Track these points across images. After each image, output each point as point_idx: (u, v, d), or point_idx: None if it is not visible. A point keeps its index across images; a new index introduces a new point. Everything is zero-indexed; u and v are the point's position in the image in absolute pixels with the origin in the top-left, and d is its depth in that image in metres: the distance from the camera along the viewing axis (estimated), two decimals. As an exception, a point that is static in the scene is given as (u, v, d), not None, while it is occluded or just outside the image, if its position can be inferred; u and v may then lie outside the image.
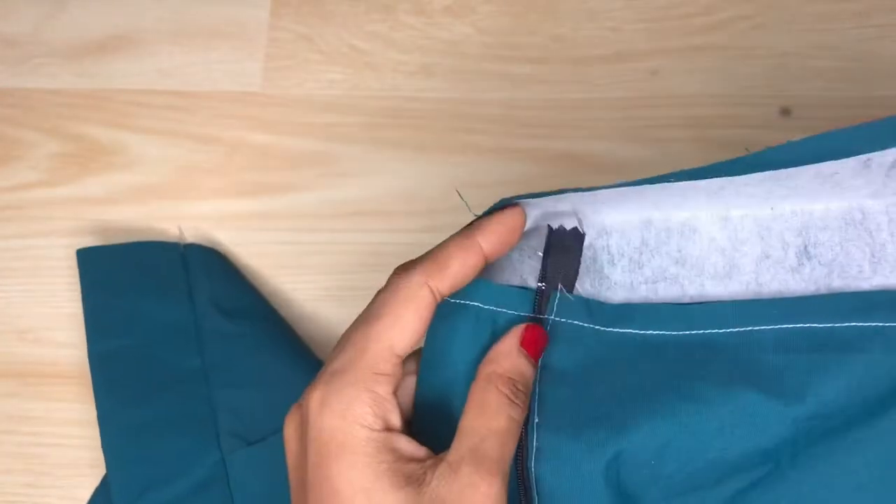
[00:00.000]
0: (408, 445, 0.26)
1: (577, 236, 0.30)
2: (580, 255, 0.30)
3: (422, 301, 0.27)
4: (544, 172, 0.45)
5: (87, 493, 0.42)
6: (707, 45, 0.46)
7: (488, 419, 0.26)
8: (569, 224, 0.30)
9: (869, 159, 0.26)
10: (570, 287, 0.30)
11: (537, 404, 0.28)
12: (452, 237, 0.28)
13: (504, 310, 0.29)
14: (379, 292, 0.28)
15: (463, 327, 0.29)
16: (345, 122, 0.47)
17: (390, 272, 0.44)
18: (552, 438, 0.27)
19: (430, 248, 0.44)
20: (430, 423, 0.28)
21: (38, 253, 0.46)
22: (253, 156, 0.47)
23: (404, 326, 0.26)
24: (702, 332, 0.28)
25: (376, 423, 0.25)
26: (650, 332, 0.28)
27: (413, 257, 0.44)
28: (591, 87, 0.46)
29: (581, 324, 0.29)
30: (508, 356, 0.27)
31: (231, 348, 0.41)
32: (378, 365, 0.26)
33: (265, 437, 0.40)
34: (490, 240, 0.28)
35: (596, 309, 0.29)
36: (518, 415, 0.26)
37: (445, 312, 0.29)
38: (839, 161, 0.26)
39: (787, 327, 0.27)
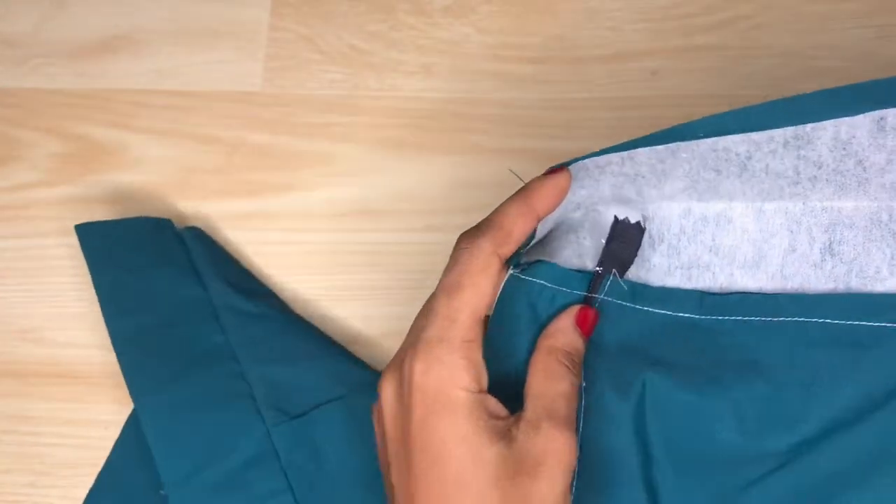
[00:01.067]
0: (496, 405, 0.29)
1: (639, 230, 0.33)
2: (639, 247, 0.33)
3: (493, 268, 0.29)
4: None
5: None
6: (707, 45, 0.46)
7: (555, 384, 0.30)
8: (633, 217, 0.33)
9: (882, 119, 0.27)
10: (622, 272, 0.33)
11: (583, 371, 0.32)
12: (509, 202, 0.31)
13: (564, 289, 0.33)
14: (452, 262, 0.30)
15: (528, 301, 0.32)
16: (345, 122, 0.47)
17: (390, 272, 0.44)
18: (591, 398, 0.31)
19: (429, 247, 0.44)
20: (493, 384, 0.30)
21: (39, 253, 0.46)
22: (253, 156, 0.47)
23: (483, 294, 0.29)
24: (729, 318, 0.31)
25: (472, 385, 0.28)
26: (683, 314, 0.32)
27: (413, 257, 0.44)
28: (591, 87, 0.46)
29: (625, 303, 0.33)
30: (565, 332, 0.32)
31: (253, 327, 0.41)
32: (468, 333, 0.29)
33: (306, 411, 0.39)
34: (544, 203, 0.31)
35: (639, 291, 0.33)
36: (576, 381, 0.31)
37: (515, 286, 0.32)
38: (851, 120, 0.27)
39: (808, 321, 0.30)
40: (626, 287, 0.32)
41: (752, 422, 0.29)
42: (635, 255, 0.33)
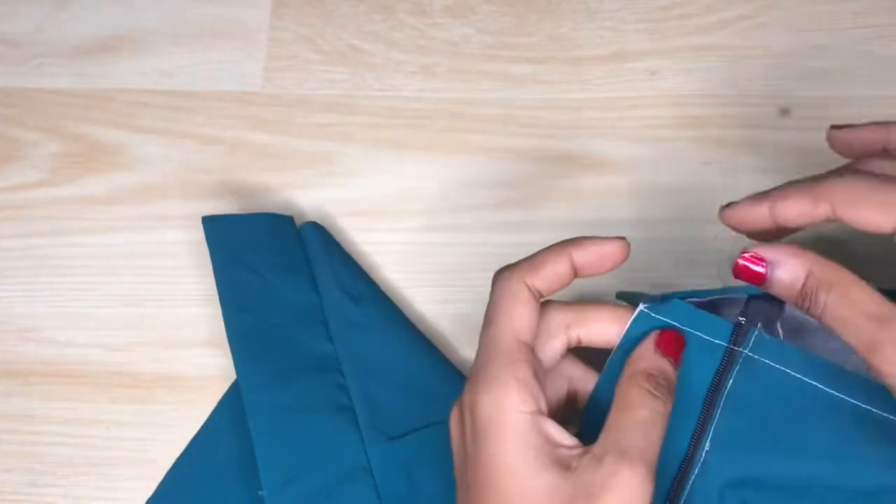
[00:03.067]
0: (555, 430, 0.28)
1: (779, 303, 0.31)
2: (783, 304, 0.31)
3: (523, 295, 0.30)
4: (544, 172, 0.45)
5: (88, 492, 0.42)
6: (707, 45, 0.46)
7: (630, 412, 0.28)
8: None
9: None
10: (770, 326, 0.31)
11: (713, 426, 0.30)
12: (551, 245, 0.31)
13: (699, 333, 0.31)
14: (490, 298, 0.31)
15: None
16: (345, 122, 0.47)
17: (390, 272, 0.44)
18: (718, 459, 0.29)
19: (429, 247, 0.44)
20: (597, 419, 0.29)
21: (40, 252, 0.46)
22: (253, 155, 0.47)
23: (518, 318, 0.30)
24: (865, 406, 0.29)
25: (524, 405, 0.28)
26: (828, 390, 0.30)
27: (413, 257, 0.44)
28: (591, 87, 0.46)
29: (771, 363, 0.30)
30: (645, 356, 0.30)
31: (359, 339, 0.41)
32: (511, 354, 0.29)
33: (405, 433, 0.39)
34: (581, 255, 0.31)
35: (789, 353, 0.30)
36: (661, 406, 0.29)
37: (643, 323, 0.31)
38: None
39: None
40: (769, 339, 0.31)
41: None
42: (782, 311, 0.31)
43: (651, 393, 0.29)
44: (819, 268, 0.28)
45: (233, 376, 0.42)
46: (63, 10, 0.50)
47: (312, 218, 0.45)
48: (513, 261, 0.32)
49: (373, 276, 0.44)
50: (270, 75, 0.48)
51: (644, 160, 0.45)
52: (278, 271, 0.42)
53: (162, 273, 0.45)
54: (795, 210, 0.30)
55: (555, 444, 0.28)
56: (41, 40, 0.50)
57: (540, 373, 0.30)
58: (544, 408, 0.29)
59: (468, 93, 0.47)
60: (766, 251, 0.29)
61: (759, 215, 0.31)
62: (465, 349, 0.43)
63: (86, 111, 0.48)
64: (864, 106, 0.44)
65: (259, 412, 0.39)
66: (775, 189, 0.31)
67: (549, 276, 0.30)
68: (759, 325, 0.31)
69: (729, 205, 0.32)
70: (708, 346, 0.31)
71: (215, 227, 0.43)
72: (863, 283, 0.27)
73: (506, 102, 0.46)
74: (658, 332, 0.31)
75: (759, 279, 0.29)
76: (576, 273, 0.31)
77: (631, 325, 0.31)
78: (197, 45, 0.49)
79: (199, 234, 0.46)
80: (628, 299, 0.33)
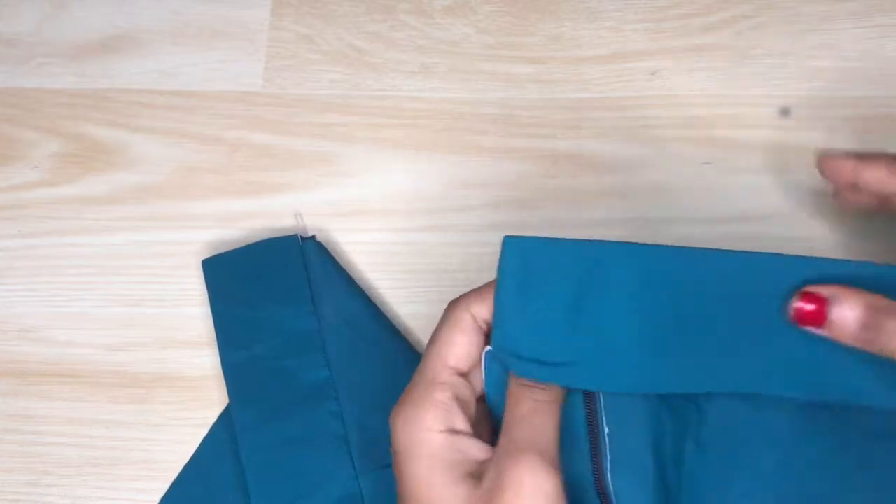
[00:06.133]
0: (472, 445, 0.29)
1: None
2: None
3: (464, 323, 0.31)
4: (544, 172, 0.45)
5: (88, 492, 0.42)
6: (707, 45, 0.46)
7: (513, 410, 0.29)
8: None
9: None
10: None
11: (602, 405, 0.31)
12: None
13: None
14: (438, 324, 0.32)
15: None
16: (345, 122, 0.47)
17: (390, 272, 0.44)
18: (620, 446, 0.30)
19: (429, 247, 0.44)
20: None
21: (40, 252, 0.46)
22: (253, 155, 0.47)
23: (451, 344, 0.30)
24: None
25: (436, 425, 0.29)
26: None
27: (413, 257, 0.44)
28: (591, 87, 0.46)
29: None
30: None
31: (357, 366, 0.41)
32: (435, 377, 0.30)
33: None
34: None
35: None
36: (541, 395, 0.29)
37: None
38: None
39: None
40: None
41: None
42: None
43: (527, 385, 0.29)
44: (872, 298, 0.27)
45: (233, 376, 0.42)
46: (63, 10, 0.50)
47: (312, 218, 0.45)
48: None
49: (371, 275, 0.44)
50: (270, 75, 0.48)
51: (644, 160, 0.45)
52: (277, 301, 0.42)
53: (162, 273, 0.45)
54: (873, 175, 0.34)
55: (470, 460, 0.29)
56: (41, 40, 0.50)
57: (468, 394, 0.30)
58: (462, 426, 0.29)
59: (468, 93, 0.47)
60: (822, 288, 0.28)
61: (845, 169, 0.35)
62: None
63: (86, 111, 0.48)
64: (864, 106, 0.44)
65: (251, 449, 0.40)
66: (869, 152, 0.34)
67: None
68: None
69: (826, 152, 0.36)
70: None
71: (214, 268, 0.44)
72: None
73: (506, 102, 0.46)
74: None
75: (820, 319, 0.28)
76: None
77: (485, 358, 0.31)
78: (197, 45, 0.49)
79: (198, 234, 0.46)
80: (516, 244, 0.32)
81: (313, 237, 0.44)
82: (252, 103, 0.48)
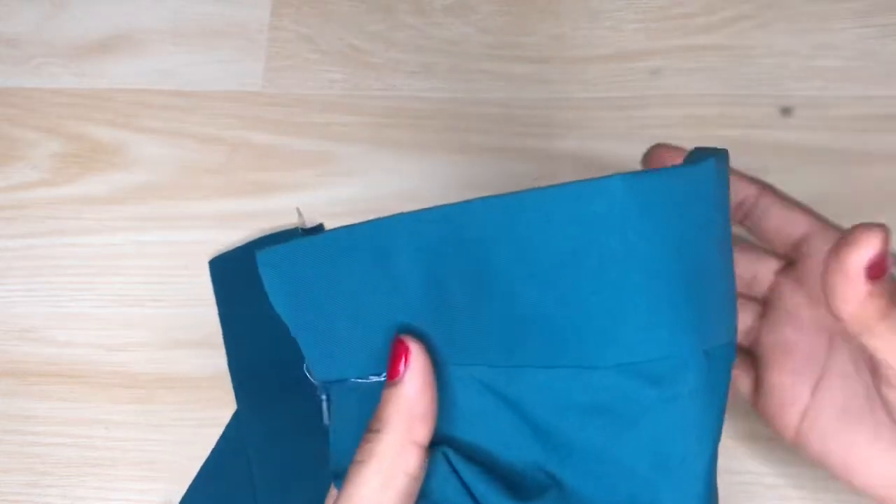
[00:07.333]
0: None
1: None
2: None
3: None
4: (544, 172, 0.45)
5: (88, 492, 0.42)
6: (707, 45, 0.46)
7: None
8: None
9: None
10: None
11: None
12: None
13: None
14: None
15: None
16: (345, 122, 0.47)
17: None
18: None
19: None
20: None
21: (40, 252, 0.46)
22: (253, 155, 0.47)
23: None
24: None
25: None
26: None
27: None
28: (591, 87, 0.46)
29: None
30: None
31: None
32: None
33: None
34: None
35: None
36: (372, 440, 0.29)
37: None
38: None
39: None
40: None
41: None
42: None
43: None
44: None
45: (233, 376, 0.42)
46: (63, 10, 0.50)
47: (312, 218, 0.45)
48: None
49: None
50: (270, 75, 0.48)
51: (644, 160, 0.44)
52: None
53: (162, 273, 0.45)
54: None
55: None
56: (41, 40, 0.50)
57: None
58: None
59: (468, 93, 0.47)
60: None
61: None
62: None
63: (86, 111, 0.48)
64: (865, 106, 0.44)
65: (253, 439, 0.41)
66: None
67: None
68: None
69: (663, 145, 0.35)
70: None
71: (220, 267, 0.44)
72: None
73: (506, 102, 0.46)
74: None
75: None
76: None
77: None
78: (197, 45, 0.49)
79: (198, 234, 0.46)
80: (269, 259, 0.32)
81: (321, 225, 0.44)
82: (252, 103, 0.48)
